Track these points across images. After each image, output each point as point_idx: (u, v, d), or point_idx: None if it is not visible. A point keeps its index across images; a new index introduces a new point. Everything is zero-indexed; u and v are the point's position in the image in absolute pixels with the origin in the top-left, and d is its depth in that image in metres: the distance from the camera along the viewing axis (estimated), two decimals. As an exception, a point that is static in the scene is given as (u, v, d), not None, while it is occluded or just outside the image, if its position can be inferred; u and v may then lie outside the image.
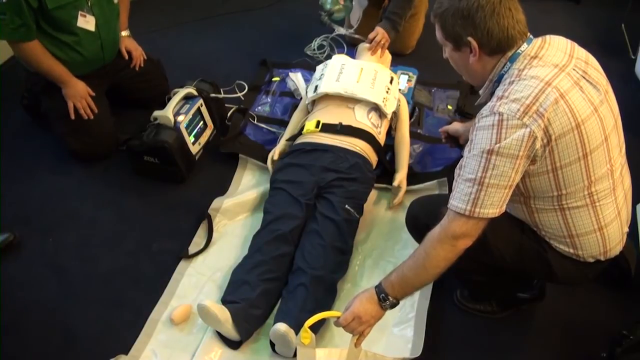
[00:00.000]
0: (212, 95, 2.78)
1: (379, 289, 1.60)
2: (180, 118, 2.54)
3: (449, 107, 2.94)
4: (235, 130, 2.76)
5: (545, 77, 1.46)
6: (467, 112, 2.85)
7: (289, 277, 2.06)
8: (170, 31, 3.65)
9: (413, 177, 2.46)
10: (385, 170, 2.49)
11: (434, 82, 3.08)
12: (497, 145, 1.42)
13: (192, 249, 2.29)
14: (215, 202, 2.43)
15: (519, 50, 1.52)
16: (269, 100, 3.00)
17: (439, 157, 2.59)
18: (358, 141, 2.35)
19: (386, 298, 1.59)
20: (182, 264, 2.23)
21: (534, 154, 1.45)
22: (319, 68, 2.68)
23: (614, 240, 1.64)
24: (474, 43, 1.51)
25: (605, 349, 1.87)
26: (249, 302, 1.95)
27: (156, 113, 2.53)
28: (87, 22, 2.51)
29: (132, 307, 2.10)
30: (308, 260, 2.03)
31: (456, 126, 2.09)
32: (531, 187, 1.56)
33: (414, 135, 2.67)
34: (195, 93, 2.68)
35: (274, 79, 3.13)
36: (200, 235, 2.34)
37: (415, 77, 2.96)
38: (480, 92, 1.66)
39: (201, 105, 2.68)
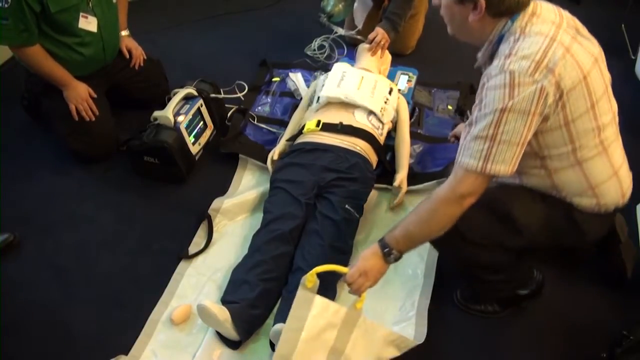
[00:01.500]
0: (212, 95, 2.78)
1: (382, 243, 1.64)
2: (180, 118, 2.54)
3: (449, 107, 2.94)
4: (235, 131, 2.76)
5: (549, 33, 1.48)
6: (467, 112, 2.85)
7: (288, 277, 2.06)
8: (171, 31, 3.65)
9: (413, 178, 2.46)
10: (386, 170, 2.49)
11: (434, 83, 3.08)
12: (510, 102, 1.43)
13: (192, 249, 2.29)
14: (215, 203, 2.42)
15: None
16: (269, 100, 3.00)
17: (439, 157, 2.59)
18: (358, 141, 2.35)
19: (390, 252, 1.62)
20: (182, 264, 2.23)
21: (547, 110, 1.47)
22: (320, 78, 2.68)
23: (626, 182, 1.69)
24: (482, 1, 1.50)
25: (606, 349, 1.87)
26: (248, 302, 1.95)
27: (156, 113, 2.53)
28: (88, 23, 2.51)
29: (132, 307, 2.10)
30: (308, 260, 2.03)
31: (462, 129, 2.10)
32: (545, 145, 1.57)
33: (414, 136, 2.67)
34: (195, 93, 2.68)
35: (274, 79, 3.13)
36: (200, 236, 2.34)
37: (415, 77, 2.96)
38: (479, 54, 1.67)
39: (201, 106, 2.68)
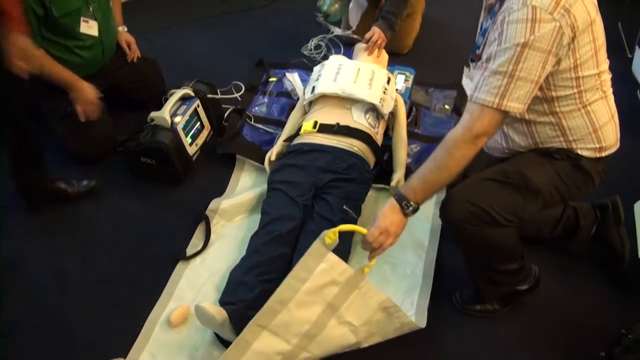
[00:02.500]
0: (209, 95, 2.77)
1: (399, 196, 1.68)
2: (177, 119, 2.53)
3: (447, 106, 2.94)
4: (232, 131, 2.76)
5: None
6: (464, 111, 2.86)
7: (287, 278, 2.05)
8: (168, 31, 3.65)
9: (411, 177, 2.45)
10: (383, 170, 2.48)
11: (431, 82, 3.08)
12: (532, 37, 1.50)
13: (189, 250, 2.28)
14: (213, 203, 2.42)
15: None
16: (266, 100, 2.99)
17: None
18: (355, 141, 2.35)
19: (409, 204, 1.67)
20: (180, 265, 2.23)
21: (561, 52, 1.54)
22: (316, 69, 2.67)
23: (618, 127, 1.80)
24: None
25: (604, 348, 1.88)
26: (246, 303, 1.94)
27: (153, 114, 2.53)
28: (90, 27, 2.51)
29: (129, 308, 2.09)
30: (306, 261, 2.02)
31: None
32: (555, 87, 1.65)
33: (411, 135, 2.67)
34: (192, 94, 2.68)
35: (270, 80, 3.13)
36: (198, 237, 2.34)
37: (412, 77, 2.96)
38: None
39: (198, 106, 2.67)
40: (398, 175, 2.41)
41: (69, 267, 2.25)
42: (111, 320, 2.07)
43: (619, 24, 3.45)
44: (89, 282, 2.20)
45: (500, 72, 1.54)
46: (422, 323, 1.96)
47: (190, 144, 2.61)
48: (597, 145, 1.74)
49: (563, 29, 1.51)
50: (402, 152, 2.48)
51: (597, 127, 1.72)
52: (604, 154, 1.77)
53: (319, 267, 1.72)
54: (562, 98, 1.67)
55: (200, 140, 2.70)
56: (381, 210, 1.71)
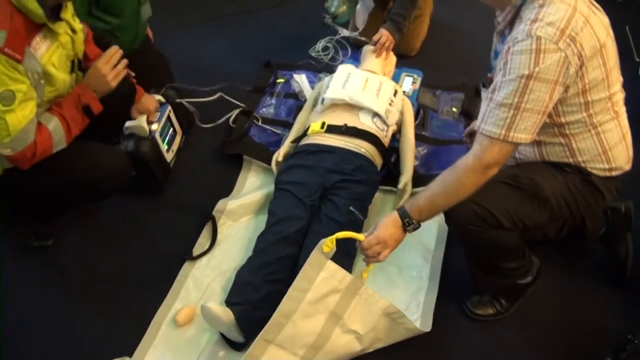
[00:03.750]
0: (177, 100, 2.72)
1: (403, 213, 1.68)
2: (154, 127, 2.46)
3: (454, 109, 2.93)
4: (239, 132, 2.76)
5: (571, 2, 1.53)
6: (472, 114, 2.85)
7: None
8: (175, 32, 3.65)
9: (418, 180, 2.45)
10: (390, 172, 2.48)
11: (439, 85, 3.08)
12: (536, 69, 1.48)
13: (196, 250, 2.29)
14: (220, 204, 2.43)
15: None
16: (274, 101, 2.99)
17: (444, 159, 2.58)
18: (363, 143, 2.35)
19: (411, 222, 1.68)
20: (186, 265, 2.23)
21: (568, 81, 1.53)
22: (325, 80, 2.68)
23: (630, 149, 1.79)
24: None
25: (610, 353, 1.87)
26: (253, 303, 1.95)
27: (129, 124, 2.42)
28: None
29: (136, 308, 2.10)
30: (312, 262, 2.02)
31: (475, 127, 2.12)
32: (563, 113, 1.63)
33: (418, 138, 2.66)
34: (163, 100, 2.61)
35: (278, 81, 3.13)
36: (204, 237, 2.34)
37: (420, 79, 2.96)
38: (500, 19, 1.70)
39: (170, 112, 2.62)
40: (405, 177, 2.40)
41: (75, 266, 2.26)
42: (117, 319, 2.07)
43: (627, 27, 3.44)
44: (95, 281, 2.21)
45: (505, 104, 1.53)
46: (427, 327, 1.95)
47: (167, 151, 2.56)
48: (607, 166, 1.73)
49: (569, 59, 1.49)
50: (409, 154, 2.48)
51: (607, 148, 1.70)
52: (614, 174, 1.75)
53: (319, 276, 1.73)
54: (571, 122, 1.66)
55: (175, 146, 2.65)
56: (383, 222, 1.71)
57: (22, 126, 1.80)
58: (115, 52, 2.11)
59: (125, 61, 2.15)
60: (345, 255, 2.08)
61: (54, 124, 1.94)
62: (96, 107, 2.07)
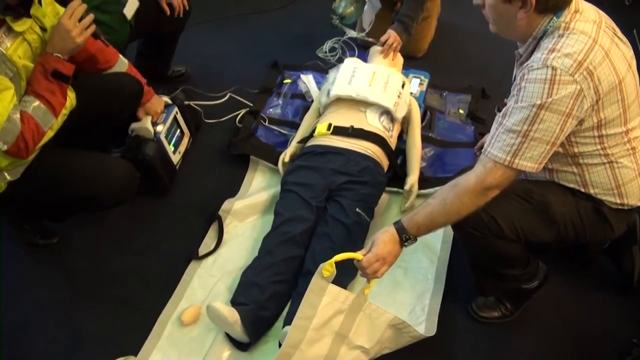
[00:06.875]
0: (186, 102, 2.73)
1: (400, 229, 1.66)
2: (159, 128, 2.46)
3: (461, 111, 2.93)
4: (246, 132, 2.77)
5: (592, 34, 1.50)
6: (479, 116, 2.85)
7: (299, 280, 2.06)
8: (184, 32, 3.64)
9: (424, 181, 2.45)
10: (397, 174, 2.48)
11: (446, 86, 3.07)
12: (549, 99, 1.46)
13: (202, 250, 2.29)
14: (226, 204, 2.43)
15: None
16: (280, 102, 2.99)
17: (450, 162, 2.59)
18: (369, 144, 2.35)
19: (408, 237, 1.66)
20: (192, 265, 2.24)
21: (582, 115, 1.50)
22: (331, 72, 2.68)
23: None
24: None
25: (615, 357, 1.86)
26: (258, 304, 1.95)
27: (134, 125, 2.43)
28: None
29: (141, 307, 2.10)
30: (318, 263, 1.99)
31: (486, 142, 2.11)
32: (576, 144, 1.61)
33: (425, 139, 2.65)
34: (170, 101, 2.61)
35: (285, 81, 3.12)
36: (210, 237, 2.35)
37: (427, 80, 2.95)
38: (521, 50, 1.68)
39: (177, 114, 2.61)
40: (411, 179, 2.40)
41: (80, 265, 2.26)
42: (122, 318, 2.08)
43: (635, 30, 3.42)
44: (100, 280, 2.21)
45: (514, 130, 1.51)
46: (432, 331, 1.95)
47: (174, 152, 2.56)
48: (619, 201, 1.70)
49: (584, 92, 1.46)
50: (416, 156, 2.48)
51: (620, 184, 1.67)
52: (626, 208, 1.73)
53: (322, 301, 1.72)
54: (585, 153, 1.64)
55: (182, 148, 2.65)
56: (380, 238, 1.68)
57: (4, 118, 1.77)
58: (78, 4, 1.94)
59: (91, 16, 1.97)
60: (346, 274, 2.06)
61: (30, 104, 1.87)
62: (65, 68, 1.93)
